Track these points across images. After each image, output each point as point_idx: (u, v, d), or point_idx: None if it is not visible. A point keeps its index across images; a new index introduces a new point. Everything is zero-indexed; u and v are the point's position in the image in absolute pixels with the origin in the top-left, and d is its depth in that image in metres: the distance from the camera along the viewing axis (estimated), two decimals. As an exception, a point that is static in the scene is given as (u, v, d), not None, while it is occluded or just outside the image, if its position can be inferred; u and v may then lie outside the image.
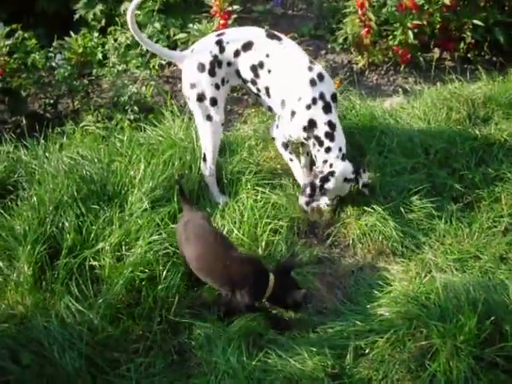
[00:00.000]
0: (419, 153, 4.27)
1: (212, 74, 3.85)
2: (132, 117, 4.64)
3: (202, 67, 3.85)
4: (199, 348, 3.09)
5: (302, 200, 3.87)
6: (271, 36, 3.89)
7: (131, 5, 3.87)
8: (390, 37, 5.44)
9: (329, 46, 5.79)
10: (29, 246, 3.36)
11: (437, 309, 3.06)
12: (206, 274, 3.24)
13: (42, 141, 4.20)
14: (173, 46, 5.38)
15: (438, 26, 5.47)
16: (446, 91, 4.87)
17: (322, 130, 3.76)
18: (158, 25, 5.35)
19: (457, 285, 3.19)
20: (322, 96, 3.75)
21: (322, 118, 3.75)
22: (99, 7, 5.68)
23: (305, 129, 3.79)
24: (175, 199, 3.68)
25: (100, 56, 5.12)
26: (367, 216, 3.82)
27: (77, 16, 5.70)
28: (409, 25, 5.24)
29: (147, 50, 4.95)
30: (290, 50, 3.87)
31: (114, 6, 5.71)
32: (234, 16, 5.21)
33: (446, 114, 4.64)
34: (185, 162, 4.04)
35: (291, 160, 4.03)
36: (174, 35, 5.44)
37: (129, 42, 5.10)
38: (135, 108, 4.72)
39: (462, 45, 5.59)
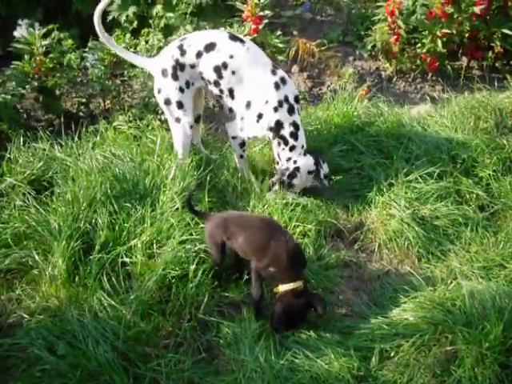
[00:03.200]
0: (446, 161, 4.31)
1: (175, 77, 3.95)
2: (163, 118, 4.71)
3: (165, 72, 3.97)
4: (227, 346, 3.15)
5: (271, 196, 4.00)
6: (234, 38, 3.96)
7: (98, 7, 3.96)
8: (419, 45, 5.49)
9: (357, 53, 5.85)
10: (63, 241, 3.45)
11: (462, 315, 3.10)
12: None
13: (76, 139, 4.31)
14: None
15: (466, 35, 5.50)
16: (473, 100, 4.91)
17: (287, 130, 3.93)
18: (189, 27, 5.43)
19: (482, 292, 3.23)
20: (286, 98, 3.91)
21: (287, 120, 3.91)
22: (132, 9, 5.79)
23: (271, 129, 3.94)
24: (206, 199, 3.76)
25: (132, 57, 5.19)
26: (393, 222, 3.87)
27: (110, 18, 5.81)
28: (438, 33, 5.29)
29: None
30: (253, 52, 3.95)
31: (146, 9, 5.82)
32: (265, 21, 5.29)
33: (473, 122, 4.69)
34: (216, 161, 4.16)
35: (241, 157, 4.16)
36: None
37: (161, 44, 5.17)
38: (166, 109, 4.79)
39: (489, 54, 5.61)
